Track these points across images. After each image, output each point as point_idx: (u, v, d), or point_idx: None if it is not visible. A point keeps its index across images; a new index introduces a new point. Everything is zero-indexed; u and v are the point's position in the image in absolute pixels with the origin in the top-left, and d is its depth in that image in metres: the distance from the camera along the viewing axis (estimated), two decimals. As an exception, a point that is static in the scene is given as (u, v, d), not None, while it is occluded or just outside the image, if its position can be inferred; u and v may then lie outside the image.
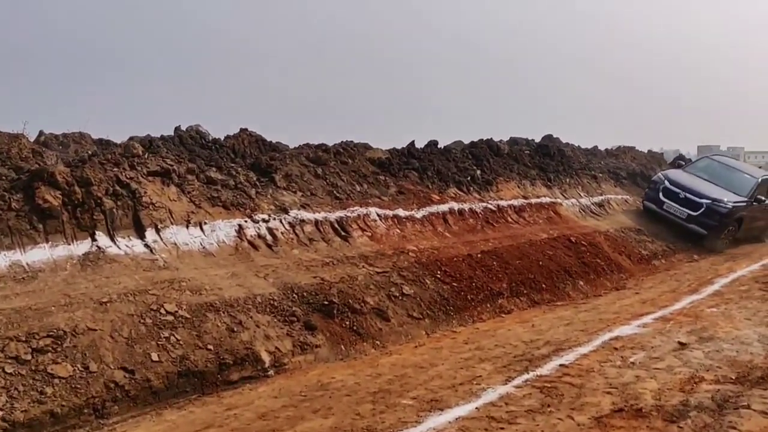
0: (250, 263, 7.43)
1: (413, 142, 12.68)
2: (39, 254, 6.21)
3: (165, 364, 5.54)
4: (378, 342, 7.17)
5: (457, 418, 4.90)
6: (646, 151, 24.14)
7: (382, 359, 6.64)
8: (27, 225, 6.25)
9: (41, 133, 10.77)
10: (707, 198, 14.70)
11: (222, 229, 7.70)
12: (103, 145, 11.23)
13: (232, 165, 8.79)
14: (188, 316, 6.12)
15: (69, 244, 6.46)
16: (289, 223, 8.41)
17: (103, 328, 5.55)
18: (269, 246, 7.92)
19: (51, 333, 5.27)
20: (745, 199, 15.23)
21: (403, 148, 12.46)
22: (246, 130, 12.10)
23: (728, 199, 14.83)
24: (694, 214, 14.66)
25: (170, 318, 6.00)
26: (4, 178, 6.51)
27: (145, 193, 7.22)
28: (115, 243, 6.75)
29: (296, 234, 8.36)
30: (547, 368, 6.14)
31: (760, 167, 21.44)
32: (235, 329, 6.25)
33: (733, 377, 5.80)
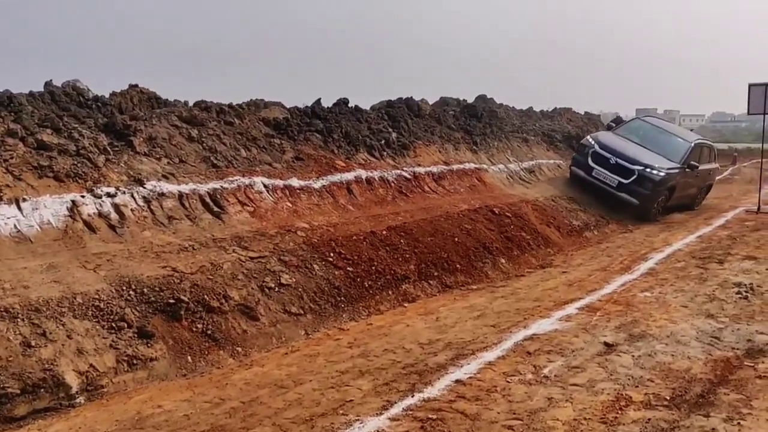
0: (79, 251, 5.89)
1: (319, 100, 11.14)
2: None
3: None
4: (239, 349, 5.77)
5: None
6: (583, 113, 23.11)
7: (236, 374, 5.25)
8: None
9: None
10: (639, 164, 13.48)
11: (48, 207, 6.10)
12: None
13: (76, 126, 7.14)
14: None
15: None
16: (144, 197, 6.86)
17: None
18: (112, 227, 6.37)
19: None
20: (678, 165, 14.16)
21: (306, 107, 10.92)
22: (136, 86, 10.47)
23: (661, 165, 13.72)
24: (625, 181, 13.40)
25: (-63, 332, 4.46)
26: None
27: (-66, 162, 5.57)
28: None
29: (152, 211, 6.82)
30: (439, 387, 4.87)
31: (691, 130, 20.41)
32: (34, 343, 4.74)
33: (668, 397, 4.61)
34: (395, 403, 4.57)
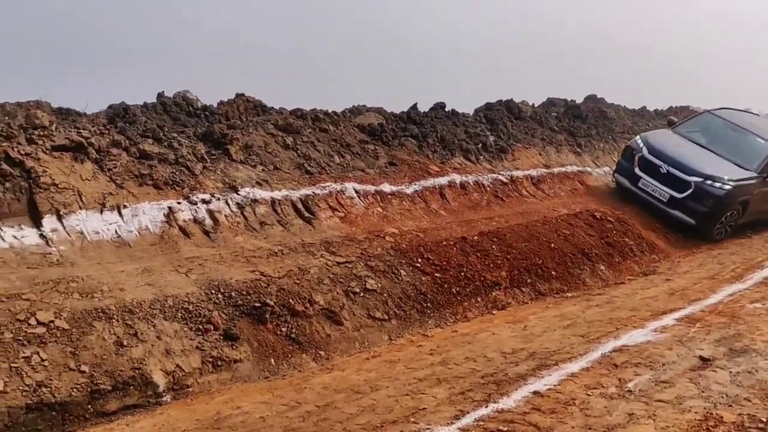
0: (173, 255, 6.18)
1: (415, 105, 11.17)
2: None
3: (11, 395, 4.35)
4: (322, 353, 5.87)
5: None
6: (701, 111, 21.90)
7: (316, 378, 5.34)
8: None
9: (-4, 103, 9.73)
10: (698, 174, 10.67)
11: (147, 213, 6.45)
12: (62, 115, 10.16)
13: (175, 135, 7.50)
14: (67, 327, 4.92)
15: (-64, 237, 5.32)
16: (238, 203, 7.11)
17: (-63, 349, 4.39)
18: (206, 233, 6.65)
19: None
20: (754, 175, 11.07)
21: (402, 112, 10.96)
22: (242, 95, 10.93)
23: (729, 174, 10.83)
24: (679, 196, 10.68)
25: (41, 330, 4.80)
26: None
27: (45, 172, 6.01)
28: (-1, 234, 5.57)
29: (245, 217, 7.06)
30: (515, 398, 4.76)
31: None
32: (126, 343, 5.02)
33: (765, 419, 4.30)
34: (468, 413, 4.51)
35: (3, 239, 5.56)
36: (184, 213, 6.68)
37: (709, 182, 10.64)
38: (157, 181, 6.79)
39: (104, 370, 4.76)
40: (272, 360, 5.60)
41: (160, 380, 4.94)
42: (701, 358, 5.49)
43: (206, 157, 7.50)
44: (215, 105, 10.25)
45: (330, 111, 9.82)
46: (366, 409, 4.64)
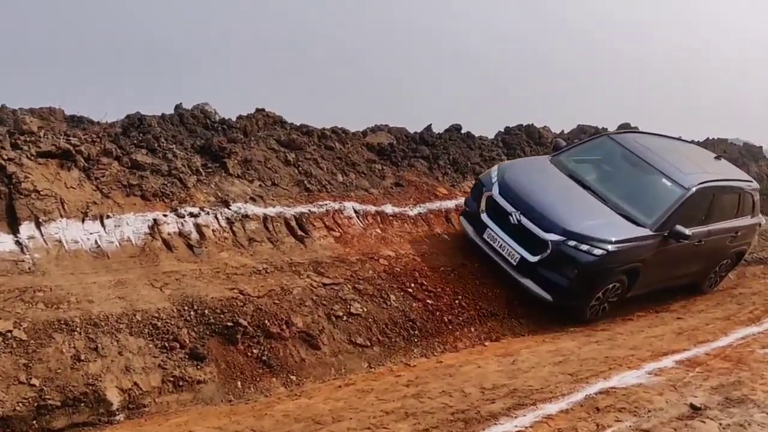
0: (151, 269, 6.04)
1: (429, 126, 10.95)
2: None
3: (-47, 406, 4.22)
4: (294, 377, 5.65)
5: None
6: (741, 144, 21.24)
7: (280, 405, 5.11)
8: None
9: (2, 107, 9.84)
10: (559, 230, 7.37)
11: (131, 225, 6.34)
12: (74, 123, 10.20)
13: (171, 147, 7.41)
14: (25, 338, 4.80)
15: None
16: (227, 218, 6.96)
17: None
18: (190, 247, 6.50)
19: None
20: (649, 232, 7.72)
21: (415, 133, 10.76)
22: (262, 110, 10.84)
23: (609, 232, 7.46)
24: (532, 259, 7.43)
25: (-6, 341, 4.68)
26: None
27: (27, 177, 5.95)
28: (-28, 239, 5.50)
29: (233, 232, 6.90)
30: (480, 440, 4.44)
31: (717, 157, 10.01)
32: (84, 357, 4.87)
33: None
34: (425, 452, 4.23)
35: (-26, 245, 5.48)
36: (170, 226, 6.55)
37: (572, 243, 7.27)
38: (145, 192, 6.68)
39: (56, 385, 4.62)
40: (239, 383, 5.40)
41: (114, 398, 4.78)
42: (692, 406, 5.13)
43: (201, 170, 7.39)
44: (234, 119, 10.17)
45: (339, 128, 9.66)
46: (320, 442, 4.39)
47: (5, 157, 5.93)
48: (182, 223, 6.64)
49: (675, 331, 7.59)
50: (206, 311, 5.70)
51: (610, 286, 7.71)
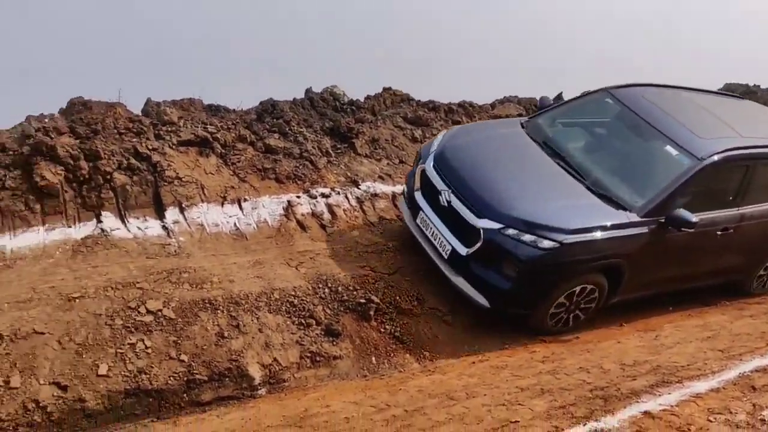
0: (286, 248, 6.24)
1: (560, 94, 10.56)
2: (29, 239, 5.55)
3: (113, 380, 4.56)
4: (427, 353, 5.65)
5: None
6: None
7: (414, 380, 5.14)
8: (22, 206, 5.61)
9: (148, 100, 10.43)
10: (497, 214, 5.61)
11: (266, 207, 6.58)
12: (212, 112, 10.67)
13: (302, 130, 7.59)
14: (173, 316, 5.10)
15: (69, 227, 5.75)
16: (357, 198, 7.07)
17: (53, 332, 4.70)
18: (323, 226, 6.66)
19: (-16, 337, 4.50)
20: (636, 219, 5.77)
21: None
22: (389, 88, 10.94)
23: (568, 217, 5.61)
24: (464, 252, 5.72)
25: (148, 319, 5.01)
26: (10, 152, 5.90)
27: (170, 166, 6.30)
28: (125, 224, 5.93)
29: (363, 211, 7.00)
30: (621, 417, 4.29)
31: None
32: (227, 334, 5.11)
33: None
34: (563, 430, 4.11)
35: (128, 230, 5.89)
36: (303, 206, 6.74)
37: (511, 232, 5.48)
38: (279, 175, 6.90)
39: (202, 361, 4.87)
40: (373, 358, 5.47)
41: (256, 373, 4.97)
42: None
43: (331, 152, 7.53)
44: (362, 99, 10.29)
45: (466, 102, 9.53)
46: (455, 417, 4.37)
47: (150, 147, 6.30)
48: (314, 204, 6.80)
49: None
50: (339, 288, 5.81)
51: (578, 289, 5.78)
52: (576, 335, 6.11)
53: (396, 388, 4.96)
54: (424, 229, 6.12)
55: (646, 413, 4.31)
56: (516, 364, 5.43)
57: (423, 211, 6.13)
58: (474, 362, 5.53)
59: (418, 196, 6.25)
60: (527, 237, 5.44)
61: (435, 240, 5.97)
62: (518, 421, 4.27)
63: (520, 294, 5.64)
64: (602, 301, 6.05)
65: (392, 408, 4.57)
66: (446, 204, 5.86)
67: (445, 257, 5.84)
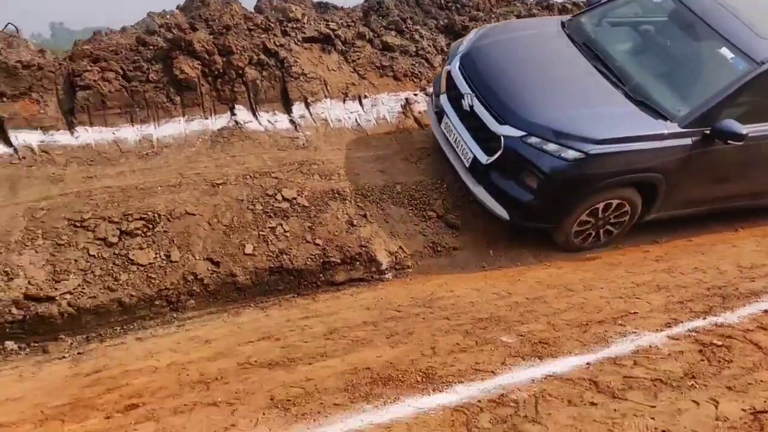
0: (405, 144, 6.49)
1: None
2: (172, 129, 5.98)
3: (258, 258, 5.02)
4: (542, 250, 5.87)
5: (546, 376, 3.66)
6: None
7: (531, 272, 5.42)
8: (164, 97, 6.01)
9: (261, -3, 10.62)
10: (519, 121, 5.25)
11: (385, 104, 6.81)
12: (320, 9, 10.79)
13: (417, 28, 7.67)
14: (306, 204, 5.49)
15: (206, 119, 6.14)
16: (472, 97, 7.17)
17: (202, 214, 5.17)
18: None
19: (145, 216, 5.01)
20: (677, 129, 5.27)
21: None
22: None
23: (597, 126, 5.18)
24: (484, 161, 5.42)
25: (285, 205, 5.42)
26: (151, 47, 6.28)
27: (296, 62, 6.55)
28: (256, 118, 6.28)
29: (478, 110, 7.11)
30: (741, 314, 4.44)
31: None
32: (356, 223, 5.48)
33: None
34: (682, 322, 4.32)
35: (259, 123, 6.25)
36: (420, 104, 6.92)
37: (534, 140, 5.15)
38: (396, 72, 7.07)
39: (335, 245, 5.27)
40: (491, 251, 5.75)
41: (383, 259, 5.35)
42: None
43: (446, 50, 7.60)
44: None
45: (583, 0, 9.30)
46: (574, 306, 4.64)
47: (278, 44, 6.55)
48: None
49: None
50: (456, 185, 6.05)
51: (603, 204, 5.44)
52: (689, 239, 6.21)
53: (514, 279, 5.25)
54: (447, 134, 5.88)
55: (767, 312, 4.45)
56: (629, 262, 5.61)
57: (447, 116, 5.85)
58: (588, 259, 5.74)
59: (444, 99, 5.97)
60: (551, 146, 5.08)
61: (457, 147, 5.72)
62: (636, 313, 4.49)
63: (541, 207, 5.32)
64: (636, 218, 5.72)
65: (513, 295, 4.88)
66: (468, 108, 5.56)
67: (467, 165, 5.60)
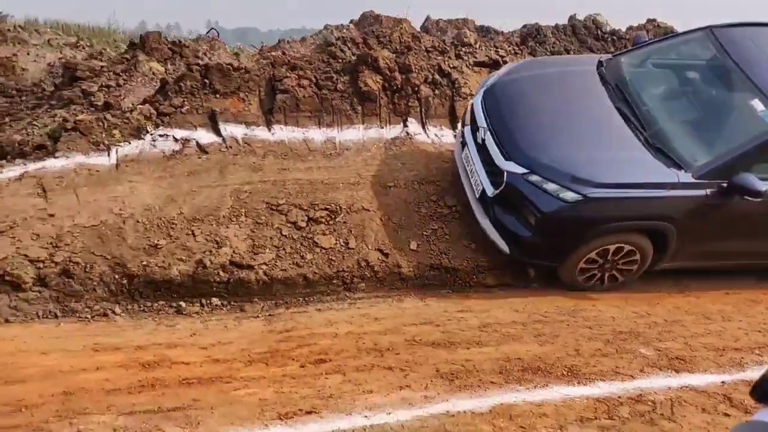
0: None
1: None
2: (352, 134, 6.77)
3: (421, 254, 5.69)
4: (683, 279, 6.17)
5: (681, 386, 4.08)
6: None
7: (670, 298, 5.76)
8: (348, 106, 6.82)
9: (427, 18, 11.41)
10: (521, 158, 5.35)
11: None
12: (482, 33, 11.45)
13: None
14: (464, 211, 6.10)
15: (381, 128, 6.90)
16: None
17: (376, 210, 5.91)
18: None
19: (329, 207, 5.80)
20: (689, 180, 5.15)
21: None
22: (654, 20, 11.08)
23: (601, 169, 5.17)
24: (490, 192, 5.51)
25: (446, 211, 6.07)
26: (340, 60, 7.13)
27: (466, 83, 7.21)
28: (425, 131, 6.98)
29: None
30: None
31: None
32: (509, 234, 6.03)
33: None
34: (820, 361, 4.57)
35: (427, 135, 6.95)
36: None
37: (535, 179, 5.21)
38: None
39: (482, 252, 5.84)
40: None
41: (532, 271, 5.86)
42: None
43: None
44: (623, 29, 10.49)
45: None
46: (712, 332, 4.98)
47: (451, 66, 7.24)
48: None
49: None
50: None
51: (612, 248, 5.37)
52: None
53: (654, 302, 5.63)
54: (465, 164, 5.98)
55: None
56: (776, 300, 5.83)
57: (467, 146, 5.93)
58: (728, 293, 6.00)
59: (466, 130, 6.06)
60: (550, 186, 5.12)
61: (471, 177, 5.82)
62: (769, 347, 4.79)
63: (540, 245, 5.34)
64: (645, 265, 5.61)
65: (652, 316, 5.27)
66: (481, 142, 5.69)
67: (477, 196, 5.71)
